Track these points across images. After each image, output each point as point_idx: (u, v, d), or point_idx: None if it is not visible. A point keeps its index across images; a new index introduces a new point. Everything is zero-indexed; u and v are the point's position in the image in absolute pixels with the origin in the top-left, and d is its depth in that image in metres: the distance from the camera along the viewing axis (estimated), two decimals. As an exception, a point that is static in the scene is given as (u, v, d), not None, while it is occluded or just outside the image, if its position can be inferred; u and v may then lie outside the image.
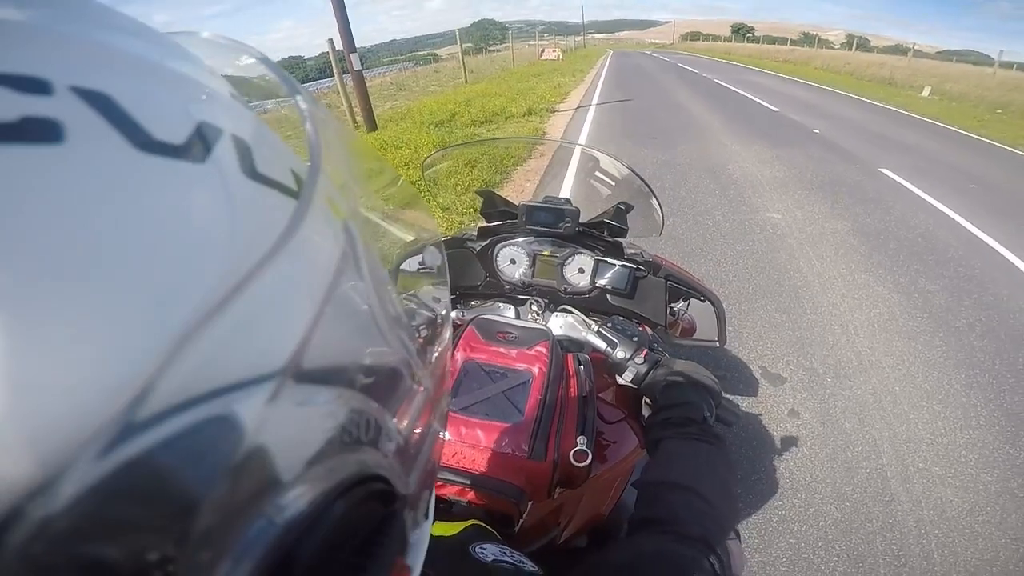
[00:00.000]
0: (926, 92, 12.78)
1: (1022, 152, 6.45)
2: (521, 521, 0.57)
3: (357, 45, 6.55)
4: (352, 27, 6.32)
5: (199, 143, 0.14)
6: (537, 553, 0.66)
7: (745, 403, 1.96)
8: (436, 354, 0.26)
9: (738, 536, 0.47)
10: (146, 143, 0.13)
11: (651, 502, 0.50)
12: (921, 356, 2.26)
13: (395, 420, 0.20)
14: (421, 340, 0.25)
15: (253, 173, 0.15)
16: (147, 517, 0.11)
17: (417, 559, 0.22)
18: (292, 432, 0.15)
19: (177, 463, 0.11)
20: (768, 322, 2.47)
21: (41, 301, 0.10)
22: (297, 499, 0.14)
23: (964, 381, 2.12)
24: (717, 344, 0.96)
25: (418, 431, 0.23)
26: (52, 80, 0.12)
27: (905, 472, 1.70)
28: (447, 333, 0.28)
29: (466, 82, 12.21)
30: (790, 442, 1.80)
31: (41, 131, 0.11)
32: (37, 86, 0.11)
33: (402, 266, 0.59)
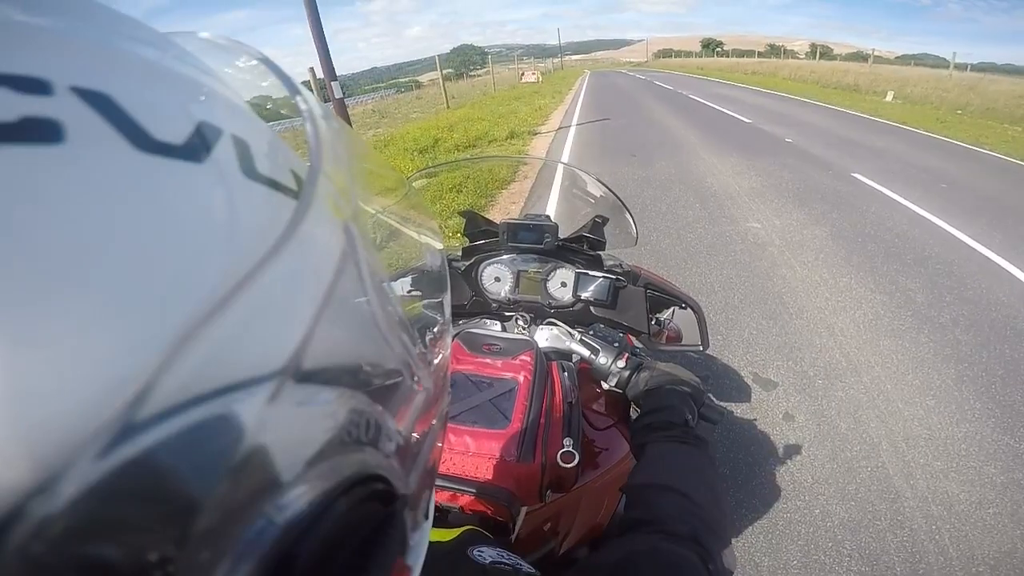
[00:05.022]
0: (889, 97, 13.26)
1: (985, 151, 6.73)
2: (517, 530, 0.58)
3: (338, 73, 6.60)
4: (332, 55, 6.38)
5: (199, 143, 0.14)
6: (537, 565, 0.68)
7: (739, 409, 1.98)
8: (436, 354, 0.26)
9: (727, 534, 0.49)
10: (146, 143, 0.13)
11: (638, 504, 0.51)
12: (909, 353, 2.32)
13: (395, 420, 0.20)
14: (422, 340, 0.25)
15: (253, 173, 0.16)
16: (147, 517, 0.11)
17: (417, 559, 0.22)
18: (292, 432, 0.15)
19: (177, 463, 0.11)
20: (756, 329, 2.52)
21: (41, 300, 0.10)
22: (297, 499, 0.14)
23: (954, 375, 2.17)
24: (701, 348, 0.98)
25: (418, 431, 0.23)
26: (52, 80, 0.12)
27: (907, 469, 1.72)
28: (448, 334, 0.28)
29: (448, 107, 12.39)
30: (788, 445, 1.82)
31: (41, 131, 0.11)
32: (37, 86, 0.12)
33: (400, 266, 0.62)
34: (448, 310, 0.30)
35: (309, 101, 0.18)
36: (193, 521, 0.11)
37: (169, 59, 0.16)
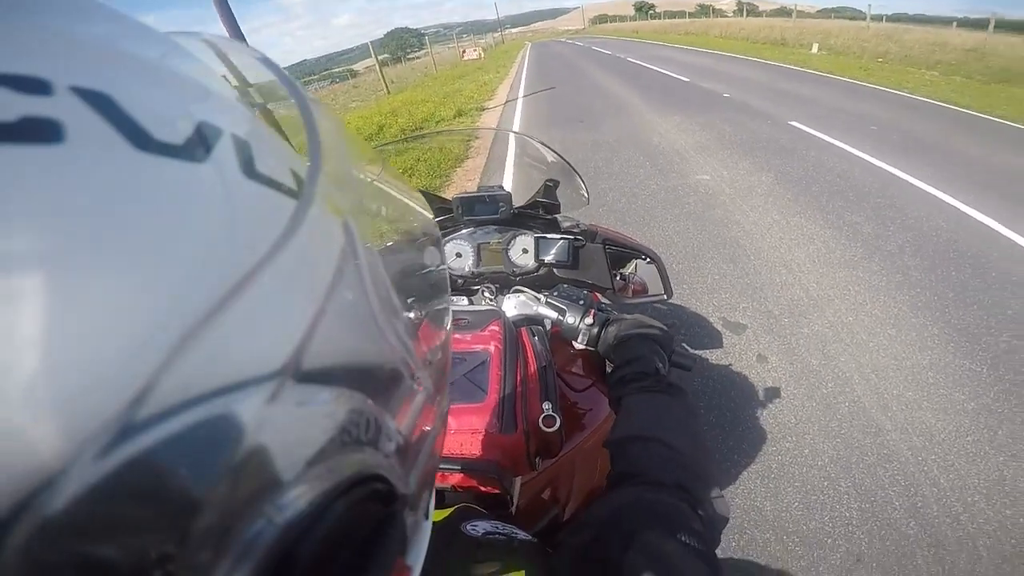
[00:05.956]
0: (815, 49, 13.82)
1: (907, 94, 7.13)
2: (515, 502, 0.58)
3: (263, 69, 6.21)
4: (254, 51, 5.98)
5: (199, 143, 0.14)
6: (542, 535, 0.65)
7: (714, 355, 2.00)
8: (436, 353, 0.26)
9: (712, 478, 0.48)
10: (146, 143, 0.13)
11: (621, 459, 0.50)
12: (864, 282, 2.41)
13: (395, 420, 0.20)
14: (421, 340, 0.25)
15: (253, 173, 0.15)
16: (147, 517, 0.11)
17: (417, 558, 0.22)
18: (292, 432, 0.15)
19: (177, 463, 0.11)
20: (718, 274, 2.55)
21: (41, 300, 0.10)
22: (297, 499, 0.14)
23: (909, 302, 2.26)
24: (665, 297, 1.01)
25: (418, 431, 0.23)
26: (52, 80, 0.12)
27: (882, 401, 1.76)
28: (447, 333, 0.28)
29: (388, 93, 11.91)
30: (766, 387, 1.84)
31: (41, 131, 0.11)
32: (37, 86, 0.11)
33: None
34: (449, 308, 0.29)
35: (308, 100, 0.18)
36: (193, 521, 0.11)
37: (169, 59, 0.16)
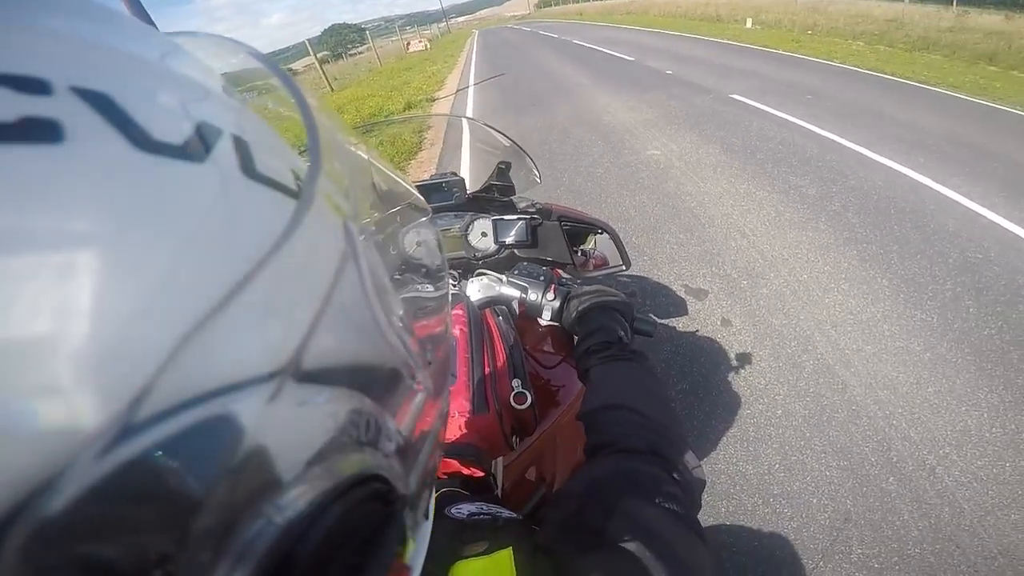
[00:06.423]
0: (749, 23, 14.29)
1: (837, 64, 7.46)
2: (500, 484, 0.58)
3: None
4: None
5: (198, 143, 0.14)
6: (532, 516, 0.63)
7: (680, 322, 2.02)
8: (436, 353, 0.26)
9: (682, 440, 0.48)
10: (146, 143, 0.12)
11: (593, 429, 0.51)
12: (813, 241, 2.51)
13: (395, 420, 0.20)
14: (421, 339, 0.24)
15: (253, 173, 0.15)
16: (147, 517, 0.11)
17: (417, 559, 0.22)
18: (292, 432, 0.14)
19: (177, 463, 0.11)
20: (676, 243, 2.60)
21: (39, 299, 0.10)
22: (297, 499, 0.14)
23: (857, 256, 2.36)
24: (624, 268, 1.04)
25: (418, 431, 0.22)
26: (52, 80, 0.12)
27: (844, 356, 1.80)
28: (448, 332, 0.28)
29: (332, 91, 11.43)
30: (733, 351, 1.87)
31: (41, 131, 0.11)
32: (37, 86, 0.11)
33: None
34: (449, 308, 0.29)
35: (309, 100, 0.18)
36: (193, 521, 0.11)
37: (169, 59, 0.16)
